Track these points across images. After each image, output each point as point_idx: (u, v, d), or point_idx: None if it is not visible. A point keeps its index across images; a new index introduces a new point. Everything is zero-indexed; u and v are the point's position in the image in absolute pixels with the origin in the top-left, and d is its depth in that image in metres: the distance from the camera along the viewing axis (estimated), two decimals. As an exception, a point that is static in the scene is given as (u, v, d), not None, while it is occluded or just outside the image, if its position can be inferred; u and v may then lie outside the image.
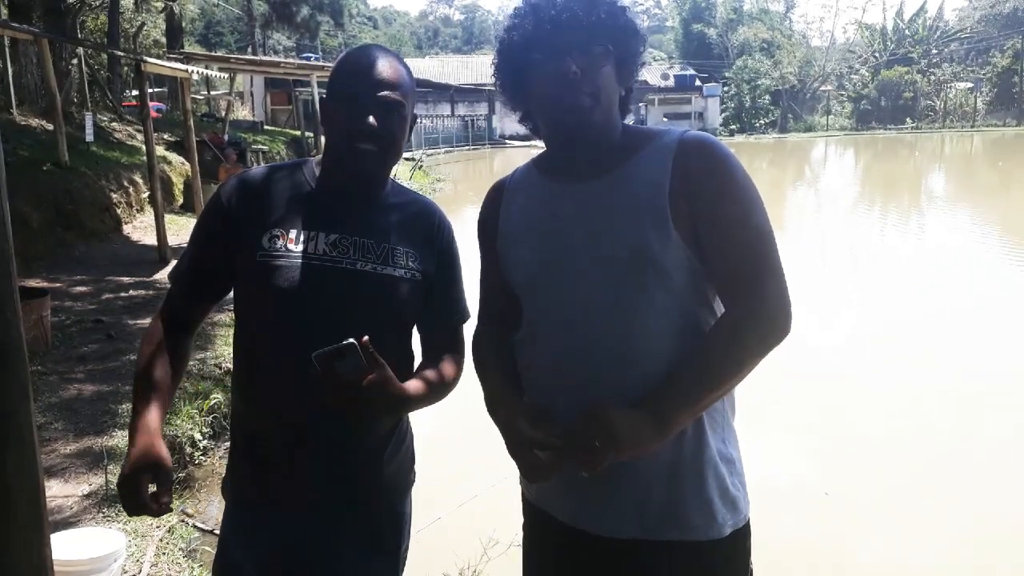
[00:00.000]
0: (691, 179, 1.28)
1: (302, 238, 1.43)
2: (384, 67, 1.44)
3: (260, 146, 17.66)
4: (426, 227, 1.56)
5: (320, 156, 1.56)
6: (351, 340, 1.28)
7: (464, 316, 1.63)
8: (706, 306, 1.33)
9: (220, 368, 5.23)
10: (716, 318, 1.33)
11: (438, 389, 1.50)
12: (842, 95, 53.91)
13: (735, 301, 1.28)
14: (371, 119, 1.40)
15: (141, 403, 1.40)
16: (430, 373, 1.51)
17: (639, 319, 1.28)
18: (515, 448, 1.30)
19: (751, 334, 1.25)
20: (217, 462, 4.35)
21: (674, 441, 1.29)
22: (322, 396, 1.31)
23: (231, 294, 1.54)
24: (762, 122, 49.95)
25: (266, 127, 24.07)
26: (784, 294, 1.29)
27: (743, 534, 1.36)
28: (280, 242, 1.42)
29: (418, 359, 1.59)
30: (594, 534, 1.35)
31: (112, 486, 3.50)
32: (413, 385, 1.45)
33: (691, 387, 1.24)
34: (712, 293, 1.33)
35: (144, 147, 10.51)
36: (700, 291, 1.31)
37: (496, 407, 1.41)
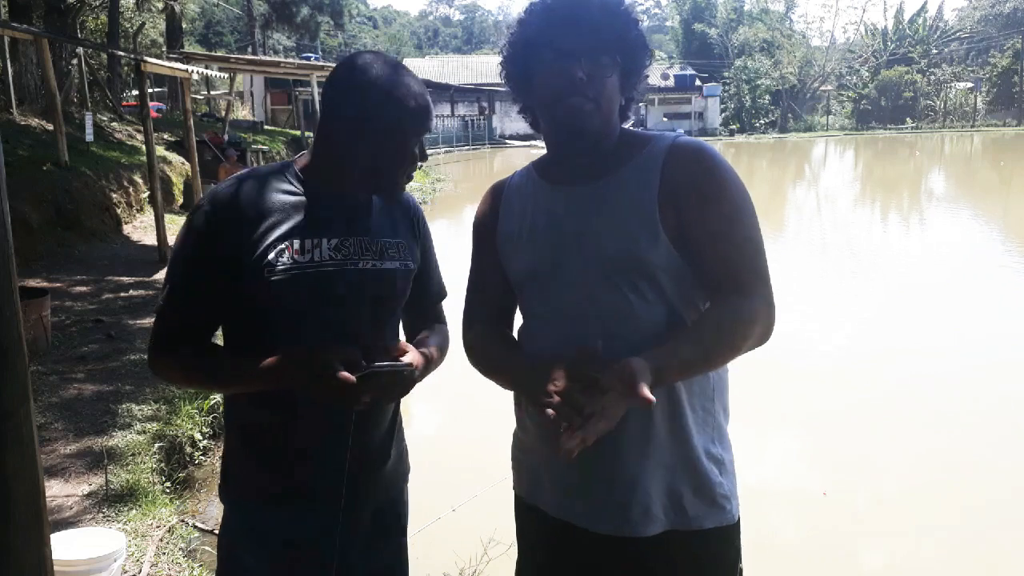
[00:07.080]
0: (679, 183, 1.31)
1: (306, 247, 1.42)
2: (424, 104, 1.42)
3: (260, 146, 17.67)
4: (408, 218, 1.61)
5: (304, 162, 1.49)
6: (406, 369, 1.36)
7: (443, 294, 1.72)
8: (694, 309, 1.35)
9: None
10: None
11: (440, 358, 1.58)
12: (842, 95, 53.91)
13: (723, 301, 1.30)
14: (407, 174, 1.46)
15: (244, 362, 1.40)
16: (432, 340, 1.58)
17: (628, 318, 1.31)
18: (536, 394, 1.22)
19: (742, 326, 1.27)
20: (217, 462, 4.35)
21: (657, 436, 1.32)
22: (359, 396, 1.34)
23: None
24: (762, 122, 49.96)
25: (266, 127, 24.09)
26: (771, 299, 1.31)
27: (730, 533, 1.38)
28: (287, 255, 1.40)
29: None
30: (578, 527, 1.38)
31: (112, 486, 3.50)
32: (429, 352, 1.51)
33: (684, 354, 1.23)
34: (700, 296, 1.35)
35: (144, 147, 10.51)
36: (688, 294, 1.34)
37: (518, 378, 1.38)
